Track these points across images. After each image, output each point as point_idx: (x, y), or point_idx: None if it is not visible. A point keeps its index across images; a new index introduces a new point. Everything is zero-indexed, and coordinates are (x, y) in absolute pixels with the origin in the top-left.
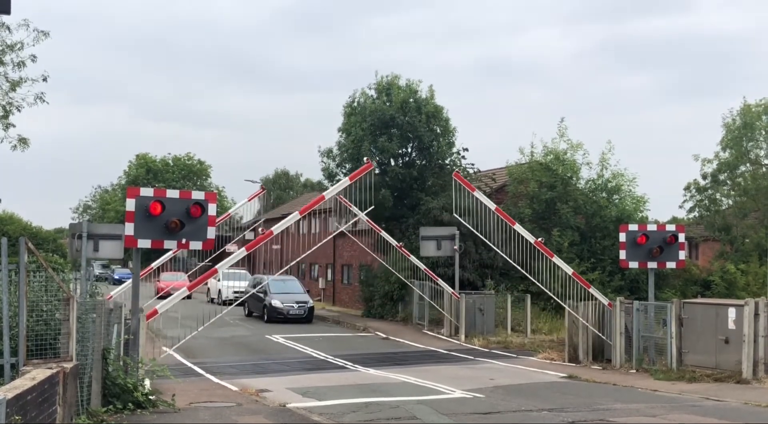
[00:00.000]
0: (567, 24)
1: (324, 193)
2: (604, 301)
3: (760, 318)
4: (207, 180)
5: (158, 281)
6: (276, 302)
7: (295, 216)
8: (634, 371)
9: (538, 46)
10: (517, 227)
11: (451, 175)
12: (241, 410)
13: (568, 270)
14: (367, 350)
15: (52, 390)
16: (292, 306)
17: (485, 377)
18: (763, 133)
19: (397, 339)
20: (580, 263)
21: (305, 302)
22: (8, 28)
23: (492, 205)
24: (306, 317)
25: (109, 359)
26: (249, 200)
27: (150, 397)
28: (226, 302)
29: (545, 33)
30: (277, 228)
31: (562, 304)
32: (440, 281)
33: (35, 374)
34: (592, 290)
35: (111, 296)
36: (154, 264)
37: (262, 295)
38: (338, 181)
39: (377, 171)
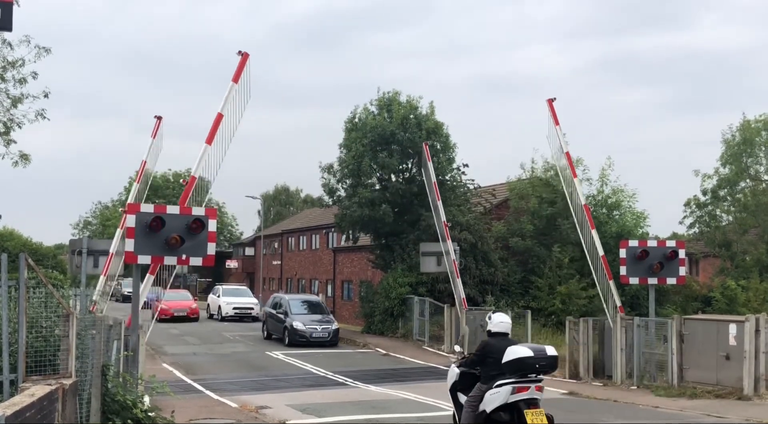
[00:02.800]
0: (565, 40)
1: (220, 111)
2: (618, 302)
3: (761, 334)
4: (207, 196)
5: (158, 301)
6: (297, 324)
7: (207, 148)
8: (635, 387)
9: (537, 63)
10: (577, 182)
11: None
12: None
13: (600, 250)
14: (367, 367)
15: (51, 407)
16: (315, 328)
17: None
18: (763, 149)
19: (398, 355)
20: (581, 279)
21: (329, 324)
22: (10, 44)
23: (565, 147)
24: (330, 341)
25: (108, 376)
26: (153, 138)
27: (149, 414)
28: (226, 319)
29: (544, 49)
30: (195, 170)
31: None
32: (459, 284)
33: (34, 391)
34: (611, 283)
35: (94, 306)
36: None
37: (282, 316)
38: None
39: (377, 187)
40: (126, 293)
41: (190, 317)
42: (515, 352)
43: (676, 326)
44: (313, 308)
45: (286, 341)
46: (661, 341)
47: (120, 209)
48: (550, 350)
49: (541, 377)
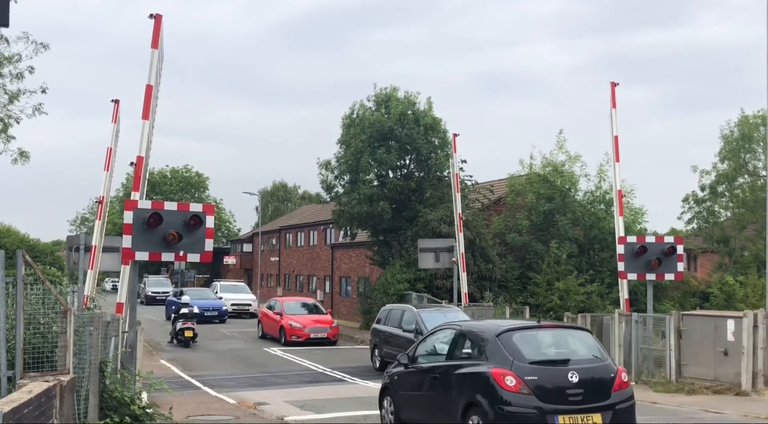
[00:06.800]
0: (564, 38)
1: (148, 82)
2: (626, 295)
3: (758, 330)
4: (205, 192)
5: (280, 315)
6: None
7: (145, 124)
8: (633, 383)
9: (536, 60)
10: (618, 166)
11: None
12: None
13: (620, 232)
14: (366, 363)
15: (49, 403)
16: None
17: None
18: (761, 144)
19: None
20: (579, 275)
21: None
22: (7, 40)
23: (615, 131)
24: None
25: (106, 372)
26: (114, 123)
27: (147, 410)
28: None
29: (542, 47)
30: (140, 149)
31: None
32: (463, 277)
33: (32, 387)
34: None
35: (86, 300)
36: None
37: (410, 335)
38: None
39: (375, 183)
40: (150, 293)
41: (330, 340)
42: (182, 311)
43: (674, 322)
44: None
45: None
46: (659, 337)
47: (93, 200)
48: (196, 309)
49: (192, 320)
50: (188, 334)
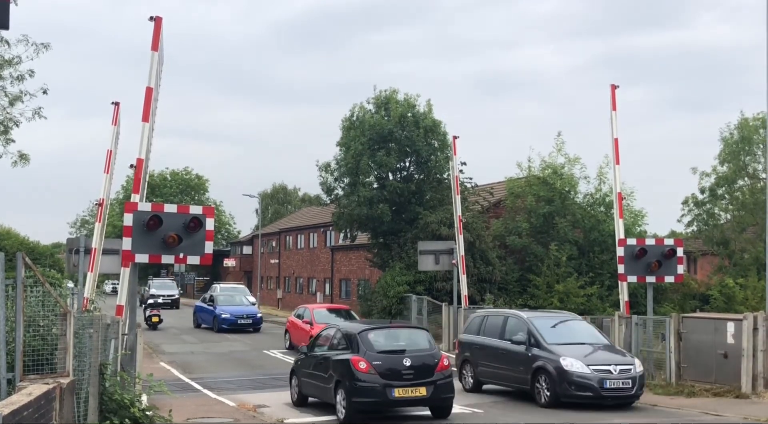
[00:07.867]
0: (563, 39)
1: (148, 84)
2: (626, 297)
3: (758, 332)
4: (204, 194)
5: (309, 324)
6: (570, 364)
7: (145, 127)
8: None
9: (535, 62)
10: (618, 168)
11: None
12: None
13: (620, 234)
14: None
15: (49, 406)
16: (607, 371)
17: (483, 391)
18: (761, 146)
19: None
20: (579, 277)
21: (629, 363)
22: (7, 42)
23: (615, 134)
24: (634, 394)
25: (106, 375)
26: (114, 125)
27: (147, 413)
28: None
29: (542, 48)
30: (140, 152)
31: None
32: (463, 279)
33: (32, 390)
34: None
35: (86, 302)
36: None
37: (521, 348)
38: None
39: (375, 185)
40: (152, 293)
41: None
42: (149, 301)
43: (674, 325)
44: (576, 333)
45: (543, 397)
46: (659, 340)
47: (93, 202)
48: (161, 300)
49: (158, 308)
50: (155, 320)
